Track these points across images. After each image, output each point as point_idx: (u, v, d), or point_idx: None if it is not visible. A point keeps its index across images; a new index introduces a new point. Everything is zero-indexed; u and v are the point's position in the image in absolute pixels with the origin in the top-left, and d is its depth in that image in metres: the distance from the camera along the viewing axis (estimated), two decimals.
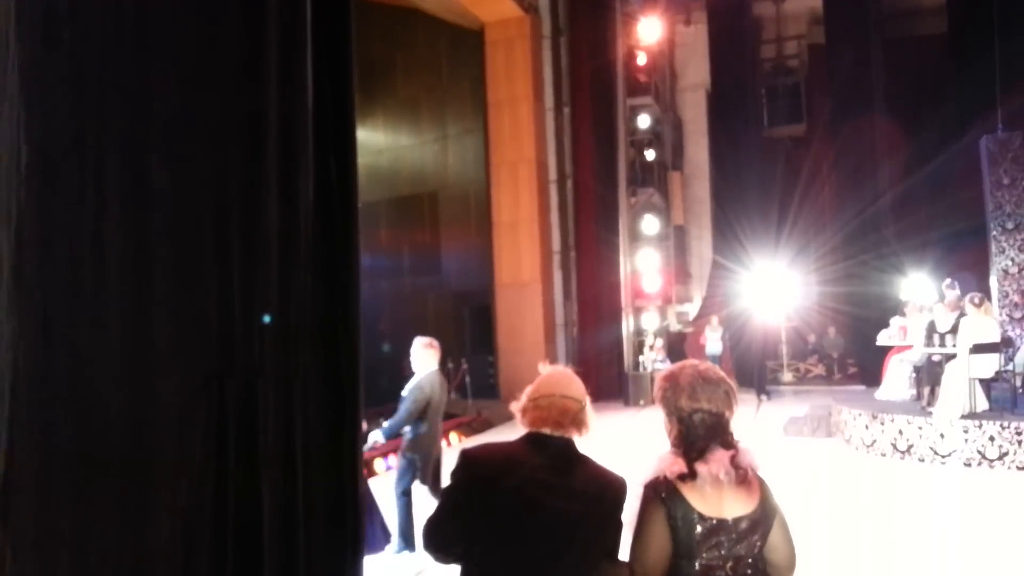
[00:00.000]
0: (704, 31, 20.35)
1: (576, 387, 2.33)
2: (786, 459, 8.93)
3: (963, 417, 8.55)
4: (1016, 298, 11.71)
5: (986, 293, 10.43)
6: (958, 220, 14.33)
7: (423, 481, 5.86)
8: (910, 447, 8.90)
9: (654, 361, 15.87)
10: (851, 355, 17.70)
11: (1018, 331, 11.40)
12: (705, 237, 20.87)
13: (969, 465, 8.33)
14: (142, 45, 1.61)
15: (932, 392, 9.40)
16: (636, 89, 17.09)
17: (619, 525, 2.21)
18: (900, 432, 9.05)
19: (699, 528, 2.08)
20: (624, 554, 2.19)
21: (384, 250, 17.00)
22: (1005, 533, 6.10)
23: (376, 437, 5.85)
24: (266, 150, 1.70)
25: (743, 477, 2.13)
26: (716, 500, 2.10)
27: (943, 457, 8.54)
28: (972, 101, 13.32)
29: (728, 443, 2.16)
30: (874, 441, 9.40)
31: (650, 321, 16.62)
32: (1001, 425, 8.24)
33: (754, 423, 10.99)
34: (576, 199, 15.47)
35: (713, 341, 16.85)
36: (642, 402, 14.67)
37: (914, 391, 10.46)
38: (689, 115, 20.99)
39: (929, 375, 9.63)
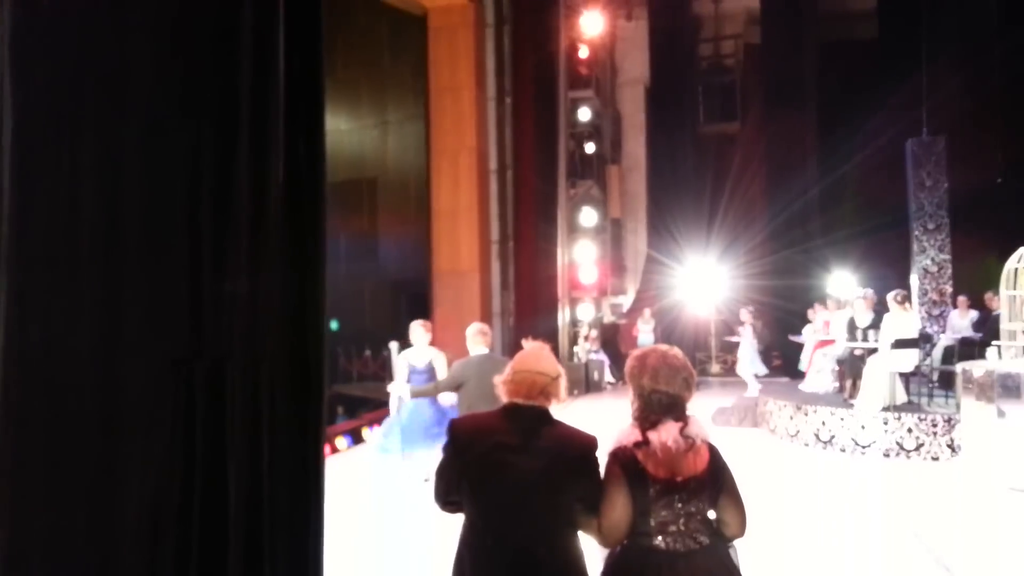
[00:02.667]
0: (644, 27, 20.63)
1: (547, 363, 2.66)
2: None
3: (883, 409, 8.91)
4: (935, 296, 12.22)
5: (907, 290, 10.87)
6: (882, 219, 14.87)
7: None
8: (832, 437, 9.24)
9: (588, 352, 16.08)
10: (776, 348, 18.22)
11: (936, 328, 11.91)
12: (640, 231, 21.20)
13: (888, 455, 8.70)
14: (119, 22, 1.57)
15: (854, 385, 9.75)
16: (577, 82, 17.22)
17: (589, 477, 2.48)
18: (823, 423, 9.38)
19: (652, 489, 2.39)
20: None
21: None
22: (919, 520, 6.41)
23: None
24: (238, 130, 1.68)
25: (691, 445, 2.43)
26: (667, 464, 2.40)
27: (863, 447, 8.90)
28: (899, 104, 13.81)
29: (679, 417, 2.49)
30: (798, 431, 9.72)
31: (585, 312, 16.81)
32: (919, 417, 8.63)
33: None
34: (516, 189, 15.47)
35: (645, 333, 17.17)
36: (576, 392, 14.84)
37: (837, 384, 10.85)
38: (628, 109, 21.26)
39: (851, 368, 9.99)
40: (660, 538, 2.39)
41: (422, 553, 5.81)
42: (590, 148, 17.69)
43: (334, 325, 15.08)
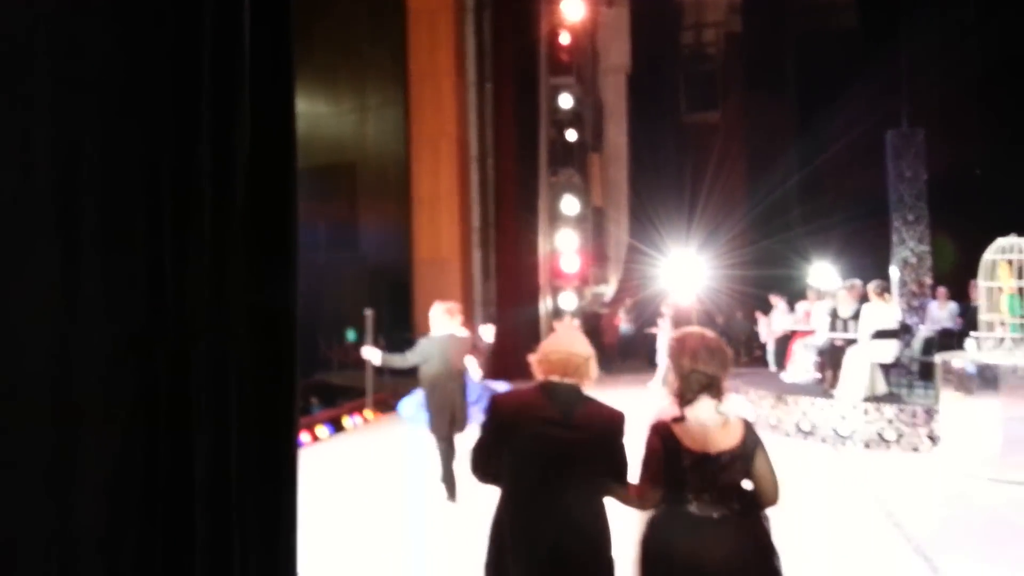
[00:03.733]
0: (626, 14, 20.51)
1: (581, 344, 2.86)
2: None
3: (864, 400, 8.92)
4: (914, 287, 12.24)
5: (887, 281, 10.88)
6: (861, 209, 14.90)
7: (431, 429, 6.52)
8: (813, 428, 9.24)
9: None
10: (757, 338, 18.25)
11: (916, 319, 11.94)
12: (622, 220, 21.15)
13: (868, 446, 8.70)
14: None
15: (835, 375, 9.76)
16: (558, 68, 17.09)
17: (620, 449, 2.74)
18: (804, 413, 9.37)
19: (687, 461, 2.60)
20: (632, 476, 2.73)
21: (299, 222, 16.52)
22: (898, 510, 6.41)
23: (373, 355, 6.60)
24: (200, 104, 1.57)
25: (725, 421, 2.66)
26: (702, 439, 2.62)
27: (844, 438, 8.90)
28: (878, 95, 13.80)
29: (716, 395, 2.68)
30: (779, 422, 9.71)
31: (567, 301, 16.75)
32: (899, 408, 8.63)
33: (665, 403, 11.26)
34: (497, 177, 15.35)
35: (627, 322, 17.20)
36: None
37: (818, 374, 10.86)
38: (609, 97, 21.15)
39: (832, 359, 9.99)
40: (694, 504, 2.60)
41: (421, 544, 5.75)
42: (571, 136, 17.58)
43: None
